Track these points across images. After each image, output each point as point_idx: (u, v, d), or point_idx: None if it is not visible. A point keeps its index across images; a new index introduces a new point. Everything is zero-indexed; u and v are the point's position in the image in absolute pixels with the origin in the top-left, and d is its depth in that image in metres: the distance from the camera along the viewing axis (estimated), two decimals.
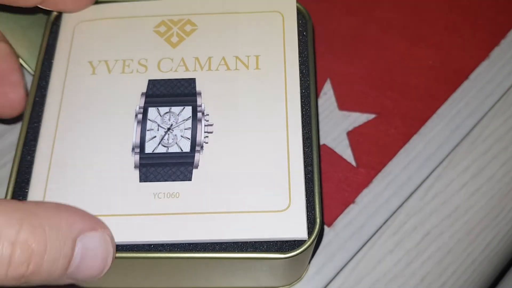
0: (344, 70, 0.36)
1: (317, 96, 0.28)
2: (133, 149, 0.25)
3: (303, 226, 0.24)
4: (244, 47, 0.27)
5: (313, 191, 0.25)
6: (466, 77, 0.36)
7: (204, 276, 0.28)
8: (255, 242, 0.24)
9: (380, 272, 0.31)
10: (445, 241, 0.32)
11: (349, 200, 0.32)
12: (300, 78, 0.27)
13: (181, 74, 0.27)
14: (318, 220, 0.24)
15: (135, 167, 0.25)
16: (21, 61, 0.32)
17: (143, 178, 0.24)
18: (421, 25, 0.38)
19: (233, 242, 0.24)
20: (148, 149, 0.25)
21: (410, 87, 0.36)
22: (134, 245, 0.24)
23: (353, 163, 0.33)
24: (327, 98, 0.36)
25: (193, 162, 0.25)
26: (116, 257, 0.23)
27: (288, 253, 0.23)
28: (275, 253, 0.24)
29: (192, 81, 0.27)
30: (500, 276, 0.36)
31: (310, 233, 0.24)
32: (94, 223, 0.21)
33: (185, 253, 0.24)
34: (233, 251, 0.24)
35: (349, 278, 0.31)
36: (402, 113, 0.35)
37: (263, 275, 0.27)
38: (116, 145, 0.25)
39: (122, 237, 0.23)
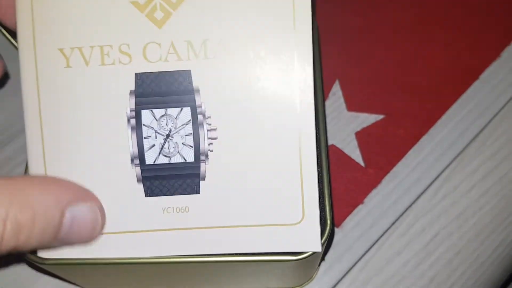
0: (353, 71, 0.36)
1: (324, 97, 0.28)
2: (132, 160, 0.23)
3: (317, 239, 0.23)
4: (247, 26, 0.22)
5: (322, 193, 0.25)
6: (476, 77, 0.36)
7: (215, 279, 0.28)
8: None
9: (388, 273, 0.31)
10: (454, 243, 0.32)
11: (357, 200, 0.32)
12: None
13: (172, 65, 0.23)
14: (328, 222, 0.24)
15: (138, 180, 0.23)
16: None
17: (149, 192, 0.23)
18: (431, 25, 0.38)
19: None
20: (149, 159, 0.23)
21: (419, 87, 0.36)
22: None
23: (362, 163, 0.33)
24: (335, 99, 0.36)
25: (199, 174, 0.23)
26: (127, 263, 0.24)
27: (299, 256, 0.24)
28: (286, 256, 0.24)
29: (187, 75, 0.23)
30: (510, 278, 0.36)
31: (321, 234, 0.24)
32: (83, 194, 0.22)
33: (196, 257, 0.24)
34: (245, 254, 0.24)
35: (357, 278, 0.31)
36: (411, 114, 0.35)
37: (274, 277, 0.28)
38: (112, 157, 0.23)
39: (132, 254, 0.23)
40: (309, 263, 0.26)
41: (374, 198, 0.32)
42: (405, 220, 0.32)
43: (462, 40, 0.37)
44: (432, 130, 0.34)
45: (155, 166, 0.23)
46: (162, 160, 0.23)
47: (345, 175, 0.33)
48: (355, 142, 0.34)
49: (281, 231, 0.23)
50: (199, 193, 0.23)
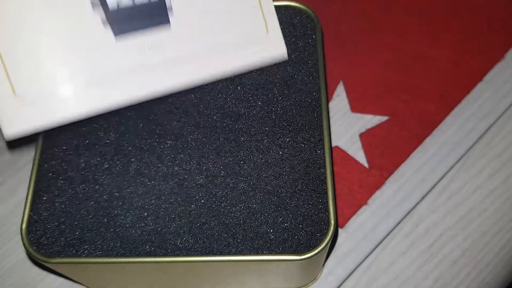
0: (357, 73, 0.36)
1: (327, 98, 0.28)
2: (93, 4, 0.22)
3: (282, 45, 0.26)
4: None
5: (326, 193, 0.25)
6: (480, 78, 0.36)
7: (219, 279, 0.28)
8: (268, 230, 0.25)
9: (392, 274, 0.31)
10: (458, 244, 0.32)
11: (361, 201, 0.32)
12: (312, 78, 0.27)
13: None
14: (332, 222, 0.24)
15: (104, 23, 0.22)
16: None
17: (118, 30, 0.22)
18: (435, 27, 0.38)
19: (246, 238, 0.24)
20: (111, 4, 0.23)
21: (423, 89, 0.36)
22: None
23: (366, 164, 0.33)
24: (340, 100, 0.36)
25: (165, 6, 0.23)
26: (130, 262, 0.24)
27: (303, 255, 0.24)
28: (290, 255, 0.24)
29: None
30: None
31: (324, 235, 0.24)
32: None
33: (200, 257, 0.24)
34: (249, 253, 0.24)
35: (362, 279, 0.31)
36: (415, 115, 0.35)
37: (278, 277, 0.28)
38: (68, 4, 0.22)
39: (114, 99, 0.22)
40: (313, 263, 0.26)
41: (378, 199, 0.33)
42: (409, 221, 0.32)
43: (466, 42, 0.37)
44: (436, 132, 0.34)
45: (120, 10, 0.23)
46: (126, 3, 0.23)
47: (349, 176, 0.33)
48: (359, 144, 0.34)
49: (250, 45, 0.25)
50: (169, 23, 0.23)
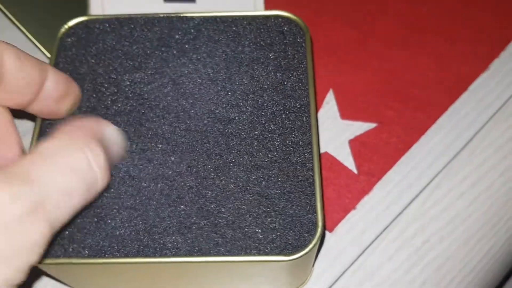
0: (347, 81, 0.37)
1: (317, 106, 0.29)
2: None
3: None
4: None
5: (314, 196, 0.26)
6: (466, 88, 0.37)
7: (207, 280, 0.28)
8: (256, 231, 0.25)
9: (379, 278, 0.32)
10: (444, 248, 0.33)
11: (350, 206, 0.33)
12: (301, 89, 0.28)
13: None
14: (320, 223, 0.25)
15: None
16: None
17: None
18: (423, 37, 0.39)
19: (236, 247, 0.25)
20: None
21: (411, 97, 0.37)
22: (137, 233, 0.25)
23: (355, 170, 0.34)
24: (329, 107, 0.37)
25: None
26: (118, 263, 0.24)
27: (291, 255, 0.24)
28: (278, 256, 0.24)
29: None
30: (499, 285, 0.36)
31: (312, 235, 0.25)
32: (101, 120, 0.25)
33: (188, 257, 0.25)
34: (237, 254, 0.25)
35: (349, 283, 0.32)
36: (403, 123, 0.36)
37: (267, 280, 0.28)
38: None
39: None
40: (301, 264, 0.27)
41: (367, 204, 0.33)
42: (397, 226, 0.33)
43: (452, 52, 0.38)
44: (423, 139, 0.35)
45: None
46: None
47: (338, 181, 0.34)
48: (348, 150, 0.35)
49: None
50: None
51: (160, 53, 0.30)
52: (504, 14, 0.40)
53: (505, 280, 0.36)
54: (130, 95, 0.29)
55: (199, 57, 0.30)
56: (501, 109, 0.37)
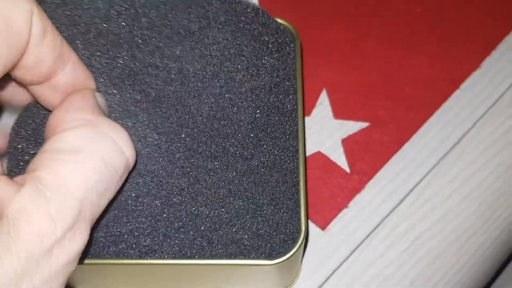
0: (340, 81, 0.38)
1: (304, 113, 0.29)
2: None
3: None
4: None
5: (299, 202, 0.26)
6: (457, 86, 0.37)
7: (195, 282, 0.29)
8: (243, 237, 0.26)
9: (371, 274, 0.33)
10: (435, 245, 0.33)
11: (342, 205, 0.34)
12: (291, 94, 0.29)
13: None
14: (303, 228, 0.26)
15: None
16: None
17: None
18: (415, 36, 0.39)
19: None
20: None
21: (403, 96, 0.37)
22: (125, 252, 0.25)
23: (347, 169, 0.35)
24: (323, 107, 0.37)
25: None
26: (106, 264, 0.25)
27: (274, 260, 0.25)
28: (261, 260, 0.25)
29: None
30: (490, 281, 0.37)
31: (295, 240, 0.25)
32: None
33: (174, 259, 0.25)
34: (222, 257, 0.25)
35: (341, 280, 0.32)
36: (395, 122, 0.36)
37: (254, 282, 0.29)
38: None
39: None
40: (286, 268, 0.27)
41: (359, 202, 0.34)
42: (388, 224, 0.34)
43: (444, 51, 0.39)
44: (415, 138, 0.36)
45: None
46: None
47: (331, 180, 0.34)
48: (341, 149, 0.36)
49: None
50: None
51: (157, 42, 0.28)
52: (496, 13, 0.40)
53: (496, 276, 0.36)
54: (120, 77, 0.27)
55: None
56: (493, 107, 0.37)
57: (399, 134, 0.36)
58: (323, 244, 0.33)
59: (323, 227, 0.33)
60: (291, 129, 0.28)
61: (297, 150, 0.27)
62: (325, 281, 0.32)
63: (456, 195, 0.35)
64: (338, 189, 0.34)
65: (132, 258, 0.25)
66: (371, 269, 0.33)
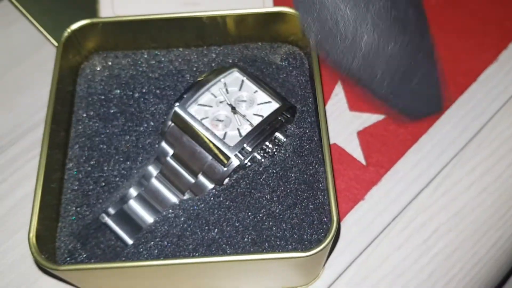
0: None
1: (324, 101, 0.30)
2: None
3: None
4: None
5: (328, 190, 0.26)
6: (474, 79, 0.37)
7: (222, 279, 0.29)
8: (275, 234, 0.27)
9: (388, 267, 0.32)
10: (452, 239, 0.33)
11: (358, 197, 0.33)
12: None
13: None
14: (335, 218, 0.25)
15: None
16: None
17: None
18: (432, 29, 0.39)
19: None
20: None
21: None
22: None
23: (363, 161, 0.34)
24: (338, 99, 0.37)
25: None
26: (134, 266, 0.25)
27: (307, 252, 0.25)
28: (294, 252, 0.25)
29: None
30: (507, 275, 0.37)
31: (328, 231, 0.25)
32: None
33: (203, 258, 0.25)
34: (251, 253, 0.25)
35: (358, 272, 0.32)
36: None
37: (281, 276, 0.29)
38: None
39: None
40: (316, 260, 0.27)
41: (375, 194, 0.33)
42: (405, 216, 0.33)
43: (461, 43, 0.38)
44: (432, 130, 0.35)
45: None
46: None
47: (347, 172, 0.34)
48: (357, 141, 0.35)
49: None
50: None
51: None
52: None
53: None
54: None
55: None
56: (510, 100, 0.37)
57: (415, 127, 0.35)
58: (340, 237, 0.32)
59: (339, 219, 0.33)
60: (314, 124, 0.29)
61: (319, 139, 0.27)
62: (342, 273, 0.32)
63: (473, 188, 0.34)
64: (354, 181, 0.34)
65: (168, 258, 0.26)
66: (388, 262, 0.32)
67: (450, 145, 0.35)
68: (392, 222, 0.33)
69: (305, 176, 0.29)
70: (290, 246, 0.27)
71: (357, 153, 0.35)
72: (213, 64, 0.33)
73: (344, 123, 0.36)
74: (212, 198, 0.28)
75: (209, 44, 0.33)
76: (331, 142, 0.35)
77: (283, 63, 0.33)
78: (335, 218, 0.25)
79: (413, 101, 0.32)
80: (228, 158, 0.28)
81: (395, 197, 0.33)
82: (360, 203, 0.33)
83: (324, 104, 0.29)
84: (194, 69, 0.33)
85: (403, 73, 0.30)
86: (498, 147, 0.35)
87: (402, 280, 0.32)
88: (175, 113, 0.29)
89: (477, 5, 0.40)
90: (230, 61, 0.33)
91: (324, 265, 0.31)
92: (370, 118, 0.36)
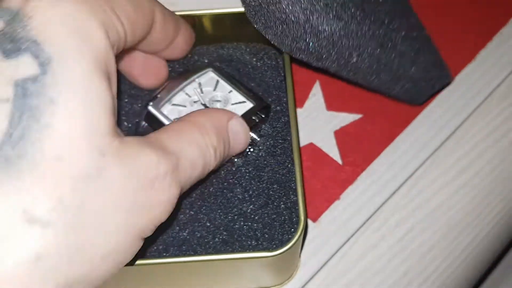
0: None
1: (295, 103, 0.30)
2: None
3: None
4: None
5: (296, 191, 0.26)
6: (452, 78, 0.37)
7: (195, 280, 0.29)
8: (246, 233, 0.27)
9: (363, 266, 0.32)
10: (427, 238, 0.33)
11: (334, 196, 0.33)
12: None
13: None
14: (302, 218, 0.26)
15: None
16: None
17: None
18: None
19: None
20: None
21: None
22: None
23: (339, 161, 0.34)
24: (316, 99, 0.37)
25: None
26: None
27: (274, 251, 0.25)
28: (262, 252, 0.25)
29: None
30: (484, 275, 0.37)
31: (294, 230, 0.25)
32: (229, 112, 0.27)
33: (174, 258, 0.25)
34: (218, 253, 0.26)
35: (333, 271, 0.32)
36: (388, 113, 0.36)
37: (253, 276, 0.29)
38: None
39: None
40: (286, 259, 0.27)
41: (351, 194, 0.34)
42: (380, 216, 0.33)
43: (438, 43, 0.38)
44: (408, 129, 0.35)
45: None
46: None
47: (323, 172, 0.34)
48: (333, 141, 0.35)
49: None
50: None
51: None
52: (491, 5, 0.40)
53: (490, 269, 0.36)
54: None
55: None
56: (488, 99, 0.37)
57: (392, 126, 0.35)
58: (315, 236, 0.33)
59: (314, 219, 0.33)
60: (284, 123, 0.29)
61: (290, 142, 0.28)
62: (316, 272, 0.32)
63: (449, 187, 0.34)
64: (330, 181, 0.34)
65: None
66: (363, 261, 0.32)
67: (426, 144, 0.35)
68: (368, 221, 0.33)
69: (278, 175, 0.29)
70: (261, 246, 0.27)
71: (334, 153, 0.35)
72: (188, 64, 0.33)
73: (322, 123, 0.36)
74: (183, 198, 0.28)
75: None
76: (308, 141, 0.35)
77: (259, 63, 0.33)
78: (302, 218, 0.25)
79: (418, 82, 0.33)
80: None
81: (371, 196, 0.34)
82: (336, 203, 0.33)
83: (295, 104, 0.29)
84: (170, 69, 0.33)
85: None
86: (474, 146, 0.35)
87: (377, 279, 0.32)
88: (148, 113, 0.29)
89: (455, 5, 0.40)
90: (206, 61, 0.33)
91: (298, 264, 0.31)
92: (347, 118, 0.36)
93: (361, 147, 0.35)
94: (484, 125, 0.36)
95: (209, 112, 0.26)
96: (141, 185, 0.20)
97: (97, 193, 0.19)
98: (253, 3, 0.28)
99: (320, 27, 0.27)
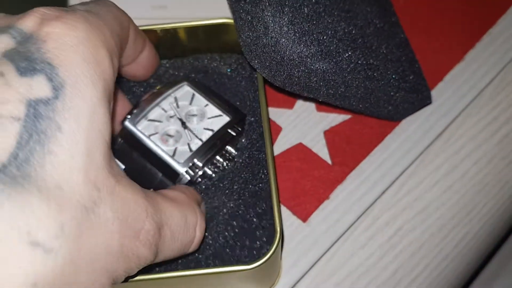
0: None
1: (268, 112, 0.30)
2: None
3: None
4: None
5: (271, 204, 0.27)
6: (440, 79, 0.37)
7: None
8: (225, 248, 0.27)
9: (352, 265, 0.32)
10: (417, 237, 0.33)
11: (323, 196, 0.34)
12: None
13: None
14: (278, 229, 0.26)
15: None
16: None
17: None
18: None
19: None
20: None
21: None
22: None
23: (329, 161, 0.35)
24: (306, 100, 0.37)
25: None
26: None
27: (253, 264, 0.25)
28: (239, 265, 0.25)
29: None
30: (474, 274, 0.37)
31: (272, 241, 0.26)
32: (199, 213, 0.26)
33: (153, 274, 0.25)
34: (197, 268, 0.26)
35: (323, 271, 0.32)
36: None
37: (236, 287, 0.29)
38: None
39: None
40: (265, 270, 0.27)
41: (340, 194, 0.34)
42: (370, 215, 0.34)
43: (427, 43, 0.39)
44: (397, 129, 0.36)
45: None
46: None
47: (312, 172, 0.34)
48: (323, 141, 0.35)
49: None
50: None
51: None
52: (480, 5, 0.40)
53: (480, 268, 0.36)
54: None
55: None
56: (476, 99, 0.37)
57: (381, 126, 0.36)
58: (304, 236, 0.33)
59: (304, 219, 0.33)
60: (258, 131, 0.30)
61: (265, 154, 0.28)
62: (306, 272, 0.32)
63: (438, 186, 0.35)
64: (320, 181, 0.34)
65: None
66: (353, 261, 0.32)
67: (415, 144, 0.35)
68: (357, 221, 0.33)
69: (252, 186, 0.29)
70: (238, 258, 0.27)
71: (323, 153, 0.35)
72: (163, 78, 0.33)
73: (311, 124, 0.36)
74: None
75: (161, 58, 0.33)
76: (297, 142, 0.35)
77: (233, 74, 0.33)
78: (278, 229, 0.26)
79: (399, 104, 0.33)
80: (177, 174, 0.28)
81: (360, 196, 0.34)
82: (325, 203, 0.34)
83: (268, 115, 0.29)
84: (145, 84, 0.33)
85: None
86: (463, 145, 0.36)
87: (366, 278, 0.32)
88: (124, 129, 0.29)
89: (444, 5, 0.40)
90: (182, 74, 0.33)
91: (279, 272, 0.31)
92: (337, 118, 0.36)
93: (350, 147, 0.35)
94: (472, 125, 0.36)
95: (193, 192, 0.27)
96: (130, 232, 0.20)
97: (93, 226, 0.19)
98: (249, 41, 0.28)
99: (313, 67, 0.28)
